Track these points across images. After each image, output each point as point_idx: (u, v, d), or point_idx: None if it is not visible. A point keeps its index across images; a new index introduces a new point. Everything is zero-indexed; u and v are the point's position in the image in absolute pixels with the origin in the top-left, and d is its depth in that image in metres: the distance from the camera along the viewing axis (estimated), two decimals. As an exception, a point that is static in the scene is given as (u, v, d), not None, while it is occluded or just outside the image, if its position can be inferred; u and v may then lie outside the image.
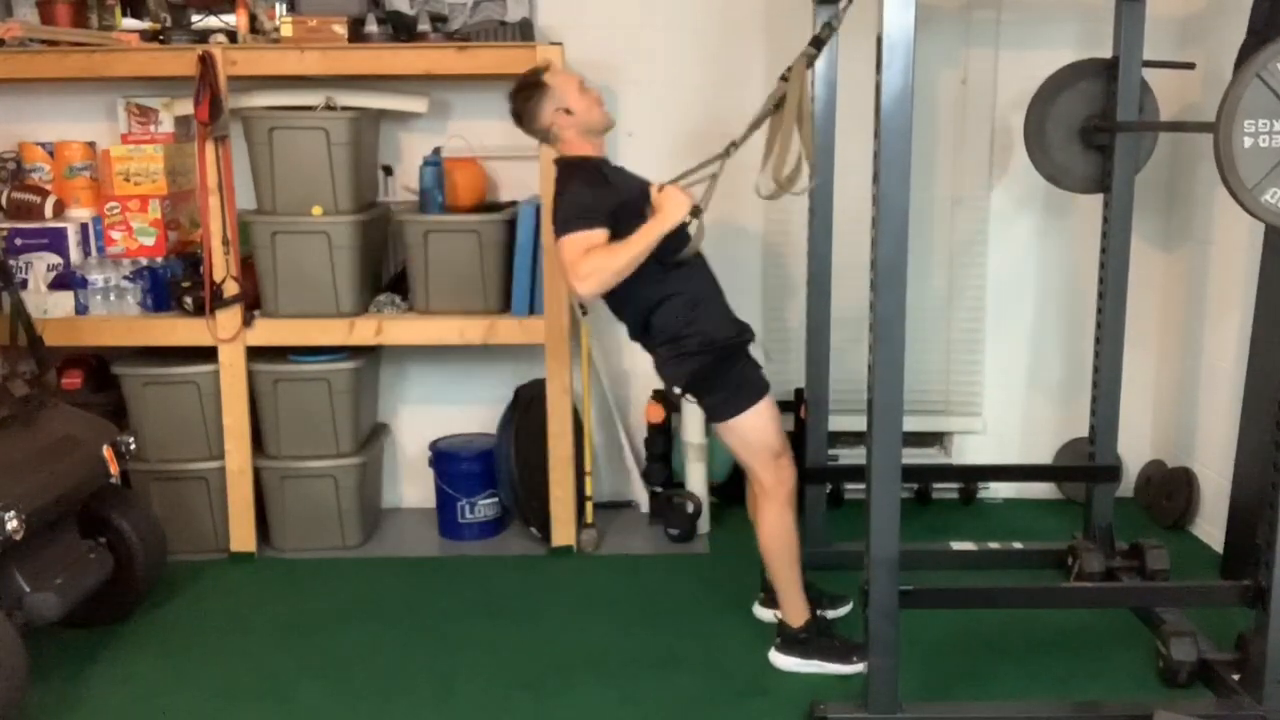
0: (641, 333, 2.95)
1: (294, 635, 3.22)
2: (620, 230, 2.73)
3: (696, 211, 2.78)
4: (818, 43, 2.86)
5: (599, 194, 2.78)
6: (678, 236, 2.78)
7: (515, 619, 3.30)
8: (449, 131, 3.93)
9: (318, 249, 3.59)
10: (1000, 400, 4.21)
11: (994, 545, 3.59)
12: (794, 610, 2.97)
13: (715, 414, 2.92)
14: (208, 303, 3.58)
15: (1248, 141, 2.20)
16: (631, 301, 2.89)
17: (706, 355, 2.86)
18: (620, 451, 4.15)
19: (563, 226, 2.74)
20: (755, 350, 3.01)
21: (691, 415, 3.86)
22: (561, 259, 2.75)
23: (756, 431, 2.89)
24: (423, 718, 2.80)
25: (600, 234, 2.72)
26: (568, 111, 2.87)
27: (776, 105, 2.78)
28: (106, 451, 3.16)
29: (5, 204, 3.72)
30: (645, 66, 3.95)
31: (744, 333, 2.97)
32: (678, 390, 2.96)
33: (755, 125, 2.83)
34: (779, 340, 4.16)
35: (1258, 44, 3.04)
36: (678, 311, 2.86)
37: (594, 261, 2.69)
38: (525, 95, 2.89)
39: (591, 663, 3.03)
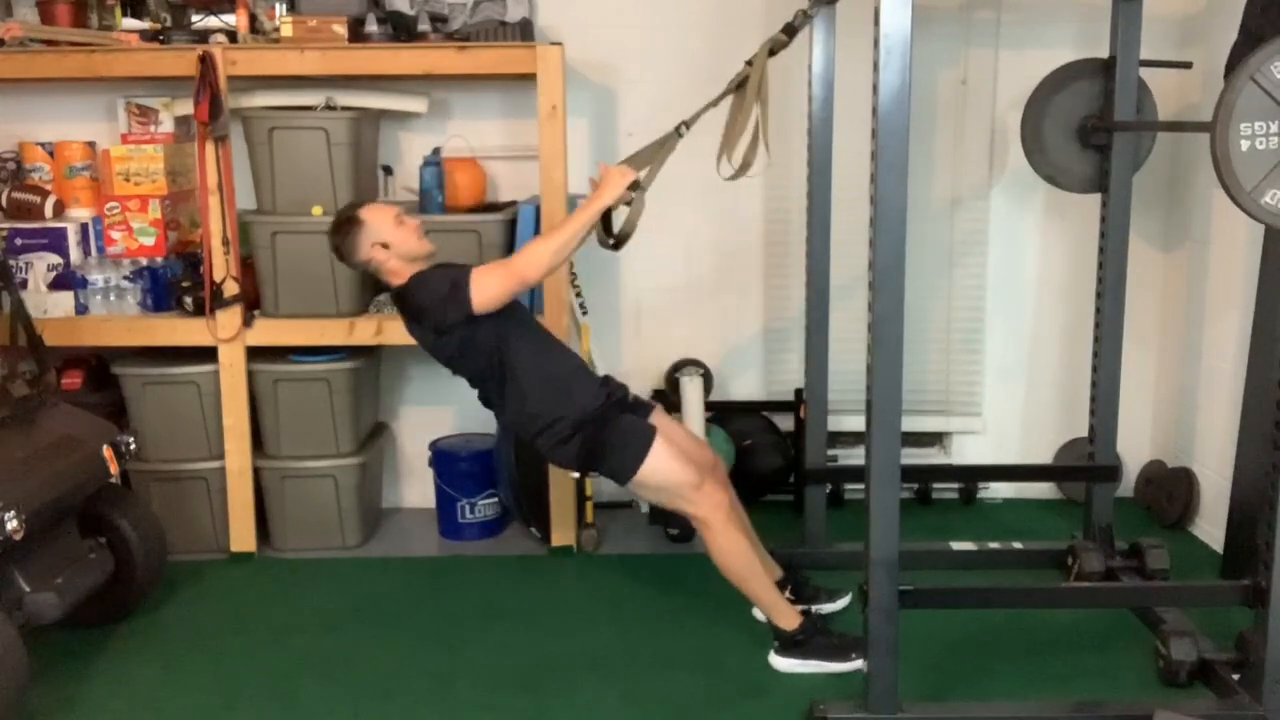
0: (521, 428, 2.98)
1: (294, 635, 3.22)
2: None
3: (635, 186, 2.80)
4: (790, 30, 2.87)
5: (451, 266, 2.87)
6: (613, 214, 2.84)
7: (515, 619, 3.30)
8: (449, 131, 3.94)
9: (318, 249, 3.58)
10: (1000, 400, 4.21)
11: (994, 545, 3.59)
12: (781, 616, 2.97)
13: (619, 477, 2.91)
14: (208, 303, 3.58)
15: (1244, 145, 2.19)
16: (504, 397, 2.93)
17: (584, 429, 2.87)
18: (620, 451, 4.15)
19: (456, 288, 2.76)
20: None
21: (692, 416, 3.86)
22: (486, 287, 2.76)
23: (663, 474, 2.87)
24: (423, 718, 2.80)
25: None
26: (384, 245, 2.89)
27: (737, 87, 2.79)
28: (106, 451, 3.15)
29: (5, 204, 3.72)
30: (645, 66, 3.95)
31: (613, 393, 2.98)
32: (575, 475, 2.96)
33: (711, 105, 2.84)
34: (779, 340, 4.16)
35: (1250, 44, 3.04)
36: (543, 399, 2.88)
37: (529, 250, 2.78)
38: (342, 233, 2.93)
39: (591, 663, 3.03)
